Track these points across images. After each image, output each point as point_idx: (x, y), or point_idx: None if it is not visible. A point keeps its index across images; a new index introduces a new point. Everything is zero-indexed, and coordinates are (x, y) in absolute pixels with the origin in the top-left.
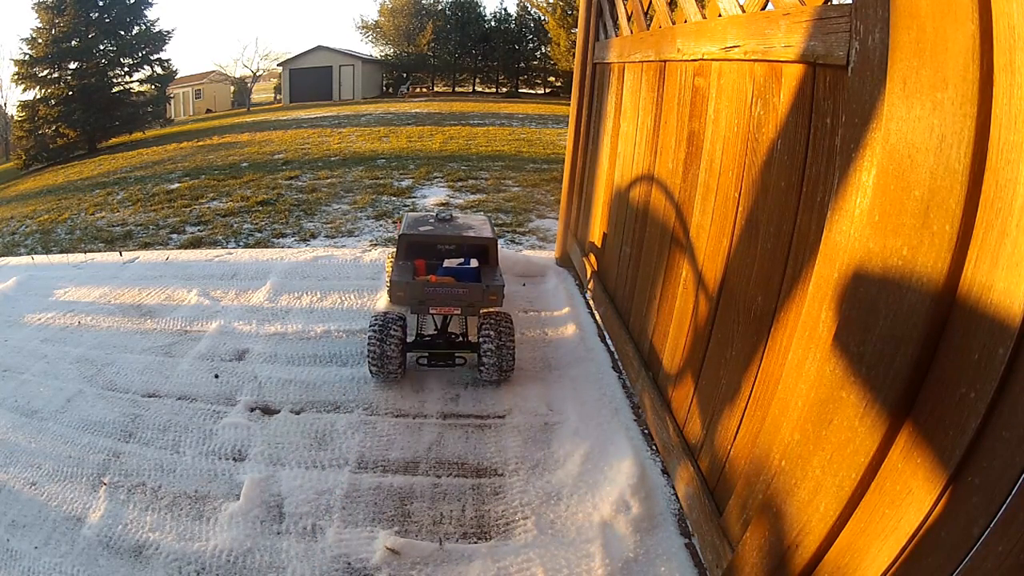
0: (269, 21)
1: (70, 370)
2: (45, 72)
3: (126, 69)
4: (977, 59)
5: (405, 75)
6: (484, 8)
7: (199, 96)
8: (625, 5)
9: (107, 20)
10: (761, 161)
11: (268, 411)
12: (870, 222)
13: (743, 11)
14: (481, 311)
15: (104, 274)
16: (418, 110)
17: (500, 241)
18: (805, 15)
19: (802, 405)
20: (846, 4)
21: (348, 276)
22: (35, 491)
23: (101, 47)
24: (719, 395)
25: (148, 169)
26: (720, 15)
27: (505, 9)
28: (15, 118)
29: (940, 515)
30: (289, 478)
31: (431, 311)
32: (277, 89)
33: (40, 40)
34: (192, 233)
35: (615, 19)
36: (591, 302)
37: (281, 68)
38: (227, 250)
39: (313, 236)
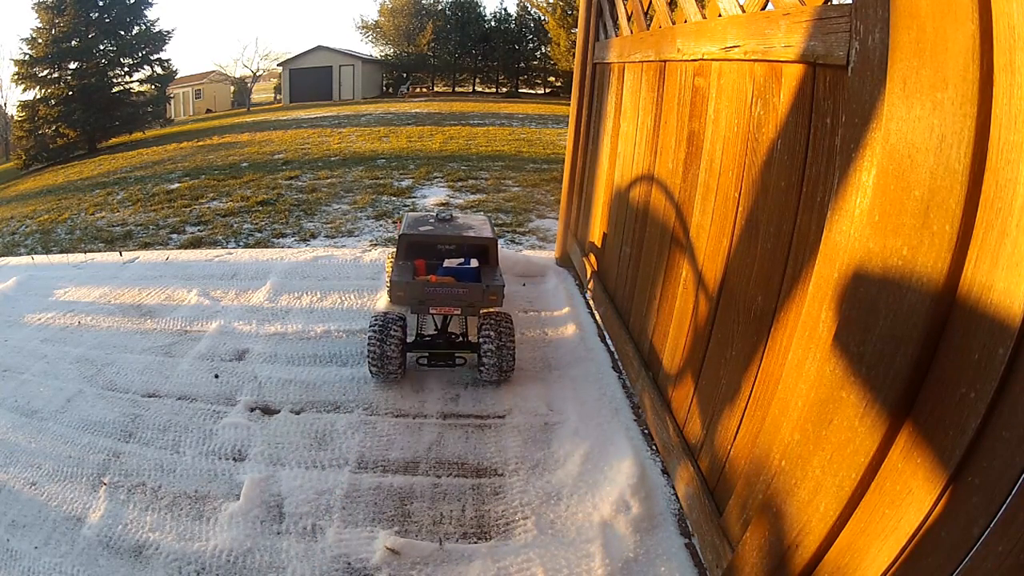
0: (269, 21)
1: (70, 370)
2: (45, 72)
3: (126, 69)
4: (977, 59)
5: (405, 75)
6: (484, 8)
7: (199, 96)
8: (625, 5)
9: (107, 20)
10: (761, 161)
11: (268, 411)
12: (870, 222)
13: (743, 11)
14: (481, 311)
15: (104, 274)
16: (418, 110)
17: (500, 241)
18: (805, 15)
19: (802, 405)
20: (846, 4)
21: (348, 276)
22: (35, 491)
23: (101, 47)
24: (719, 395)
25: (148, 169)
26: (720, 15)
27: (505, 9)
28: (15, 118)
29: (940, 515)
30: (289, 478)
31: (431, 311)
32: (277, 89)
33: (40, 40)
34: (192, 233)
35: (615, 19)
36: (591, 302)
37: (281, 68)
38: (227, 250)
39: (313, 236)
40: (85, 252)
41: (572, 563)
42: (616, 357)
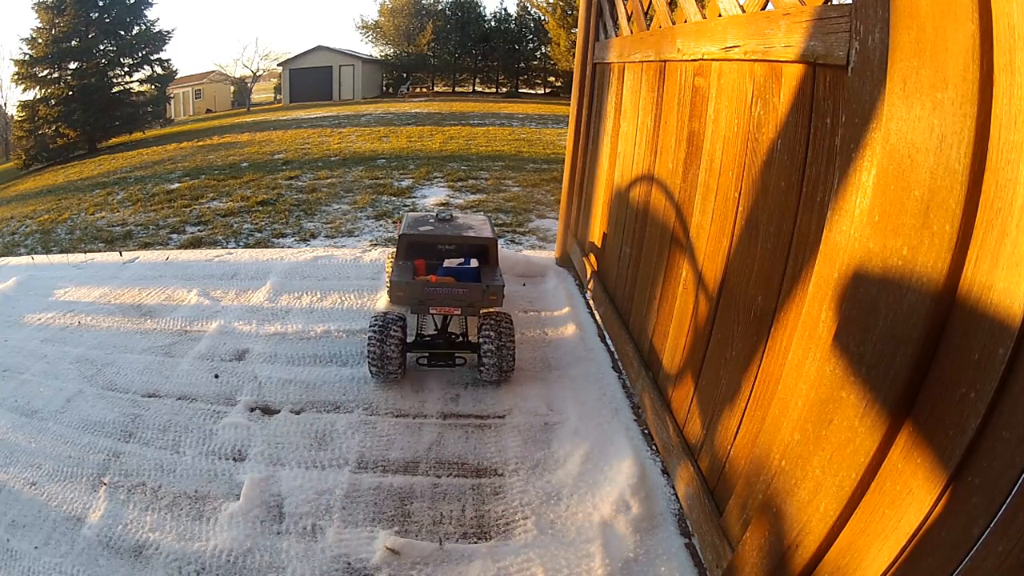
0: (269, 21)
1: (70, 370)
2: (45, 72)
3: (126, 69)
4: (977, 59)
5: (405, 75)
6: (484, 8)
7: (199, 96)
8: (625, 5)
9: (107, 20)
10: (761, 161)
11: (268, 411)
12: (870, 222)
13: (743, 11)
14: (481, 311)
15: (104, 274)
16: (418, 110)
17: (500, 241)
18: (805, 15)
19: (802, 405)
20: (846, 4)
21: (348, 276)
22: (35, 491)
23: (101, 47)
24: (719, 395)
25: (148, 169)
26: (720, 15)
27: (505, 9)
28: (15, 118)
29: (940, 515)
30: (289, 478)
31: (431, 311)
32: (277, 89)
33: (40, 40)
34: (192, 233)
35: (615, 19)
36: (591, 302)
37: (281, 68)
38: (227, 250)
39: (313, 236)
40: (85, 252)
41: (572, 563)
42: (616, 357)
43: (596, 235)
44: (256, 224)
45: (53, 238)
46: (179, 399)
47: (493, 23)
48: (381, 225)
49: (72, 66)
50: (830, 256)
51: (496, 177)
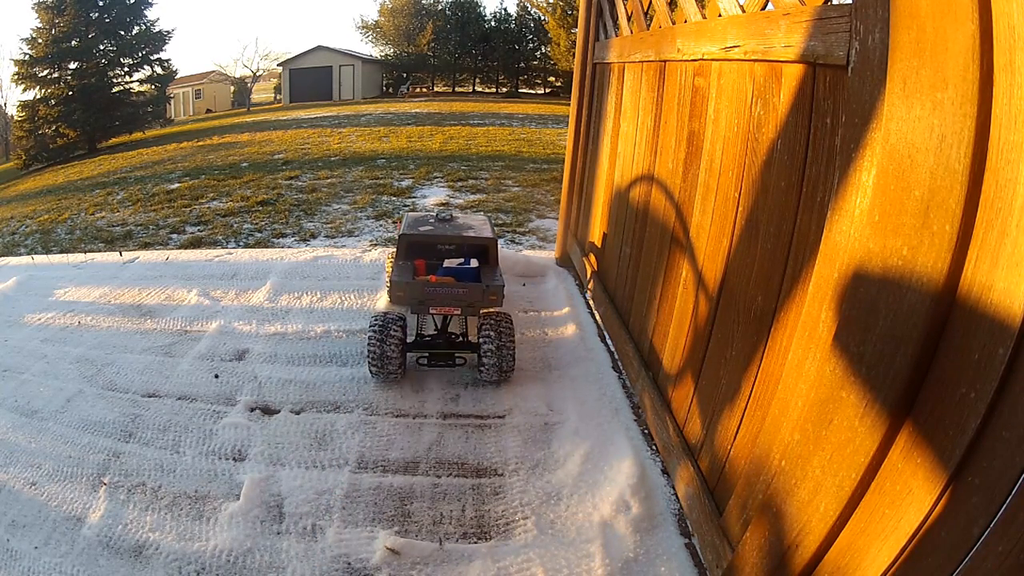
0: (269, 21)
1: (70, 370)
2: (45, 72)
3: (126, 69)
4: (977, 59)
5: (405, 75)
6: (484, 8)
7: (199, 96)
8: (625, 5)
9: (107, 20)
10: (761, 161)
11: (268, 411)
12: (870, 222)
13: (743, 11)
14: (481, 311)
15: (104, 274)
16: (418, 110)
17: (500, 241)
18: (805, 15)
19: (802, 405)
20: (846, 4)
21: (348, 276)
22: (35, 491)
23: (101, 47)
24: (719, 395)
25: (148, 169)
26: (720, 15)
27: (505, 9)
28: (15, 118)
29: (940, 515)
30: (289, 478)
31: (431, 311)
32: (277, 89)
33: (40, 40)
34: (192, 233)
35: (615, 19)
36: (591, 302)
37: (281, 68)
38: (227, 250)
39: (313, 236)
40: (85, 252)
41: (572, 563)
42: (616, 357)
43: (596, 235)
44: (256, 224)
45: (53, 238)
46: (179, 399)
47: (493, 23)
48: (381, 225)
49: (72, 66)
50: (830, 256)
51: (496, 177)
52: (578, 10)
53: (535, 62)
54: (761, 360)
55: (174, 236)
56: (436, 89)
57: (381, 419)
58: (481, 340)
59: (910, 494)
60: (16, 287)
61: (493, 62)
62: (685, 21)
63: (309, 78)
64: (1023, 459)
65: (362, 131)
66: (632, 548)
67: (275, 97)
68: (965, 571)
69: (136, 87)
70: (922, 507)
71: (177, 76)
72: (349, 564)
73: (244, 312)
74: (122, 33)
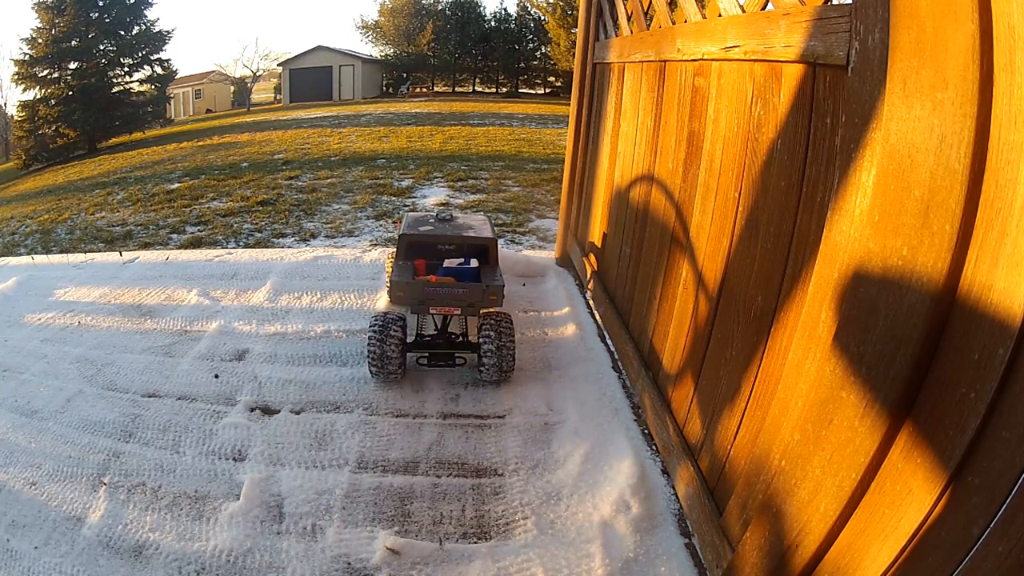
0: (269, 21)
1: (70, 370)
2: (45, 72)
3: (126, 69)
4: (977, 59)
5: (405, 75)
6: (484, 8)
7: (199, 96)
8: (625, 5)
9: (107, 20)
10: (761, 161)
11: (268, 411)
12: (870, 222)
13: (743, 11)
14: (481, 311)
15: (104, 274)
16: (418, 110)
17: (500, 241)
18: (805, 15)
19: (802, 405)
20: (846, 4)
21: (348, 276)
22: (35, 491)
23: (101, 47)
24: (719, 395)
25: (148, 169)
26: (720, 15)
27: (505, 9)
28: (15, 118)
29: (940, 515)
30: (289, 478)
31: (431, 311)
32: (277, 89)
33: (40, 40)
34: (192, 233)
35: (615, 19)
36: (591, 302)
37: (281, 68)
38: (227, 250)
39: (313, 236)
40: (85, 252)
41: (572, 563)
42: (616, 357)
43: (596, 235)
44: (256, 224)
45: (53, 238)
46: (179, 399)
47: (493, 23)
48: (381, 225)
49: (72, 66)
50: (830, 256)
51: (496, 177)
52: (578, 10)
53: (535, 62)
54: (761, 360)
55: (174, 236)
56: (436, 89)
57: (381, 419)
58: (481, 340)
59: (910, 494)
60: (16, 287)
61: (493, 62)
62: (685, 21)
63: (309, 78)
64: (1023, 459)
65: (362, 131)
66: (632, 548)
67: (275, 97)
68: (965, 571)
69: (136, 87)
70: (922, 507)
71: (177, 76)
72: (349, 564)
73: (244, 312)
74: (122, 33)
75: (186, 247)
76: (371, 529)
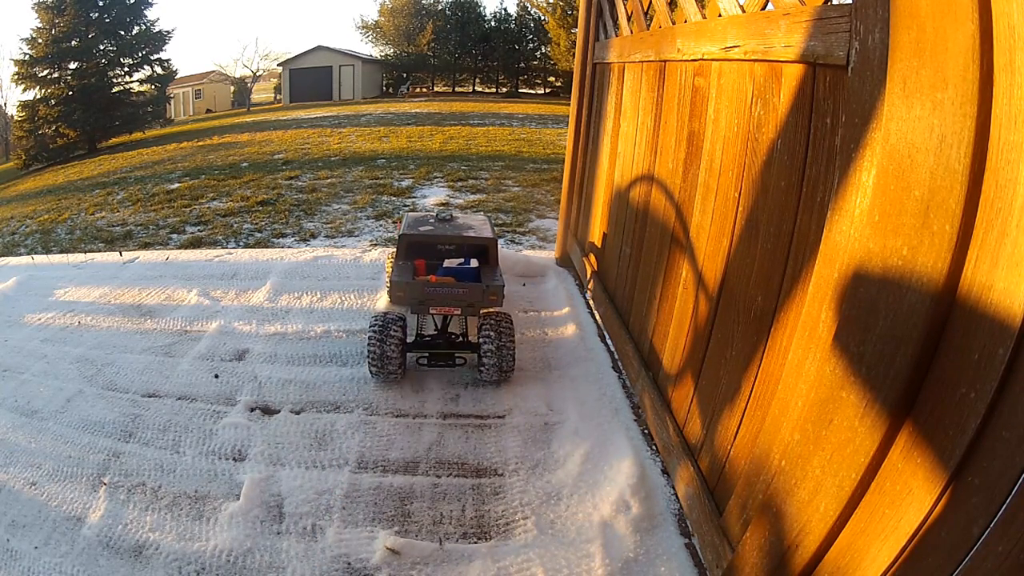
0: (269, 21)
1: (70, 370)
2: (45, 72)
3: (126, 69)
4: (977, 59)
5: (405, 75)
6: (484, 8)
7: (199, 96)
8: (625, 5)
9: (107, 20)
10: (761, 161)
11: (268, 411)
12: (870, 222)
13: (743, 11)
14: (481, 311)
15: (104, 274)
16: (418, 110)
17: (500, 241)
18: (805, 15)
19: (802, 405)
20: (846, 4)
21: (348, 276)
22: (35, 491)
23: (101, 47)
24: (719, 395)
25: (148, 169)
26: (720, 15)
27: (505, 9)
28: (15, 118)
29: (940, 515)
30: (289, 478)
31: (431, 311)
32: (277, 89)
33: (40, 40)
34: (192, 233)
35: (615, 19)
36: (591, 302)
37: (281, 68)
38: (227, 250)
39: (313, 236)
40: (85, 252)
41: (572, 563)
42: (616, 357)
43: (596, 235)
44: (256, 224)
45: (53, 238)
46: (179, 399)
47: (493, 23)
48: (381, 225)
49: (72, 66)
50: (830, 256)
51: (496, 177)
52: (578, 10)
53: (535, 62)
54: (761, 360)
55: (174, 236)
56: (436, 89)
57: (381, 419)
58: (481, 340)
59: (910, 494)
60: (16, 287)
61: (493, 62)
62: (685, 21)
63: (309, 78)
64: (1023, 459)
65: (362, 131)
66: (632, 548)
67: (275, 97)
68: (965, 571)
69: (136, 87)
70: (922, 507)
71: (177, 76)
72: (349, 564)
73: (244, 312)
74: (122, 33)
75: (186, 247)
76: (371, 529)
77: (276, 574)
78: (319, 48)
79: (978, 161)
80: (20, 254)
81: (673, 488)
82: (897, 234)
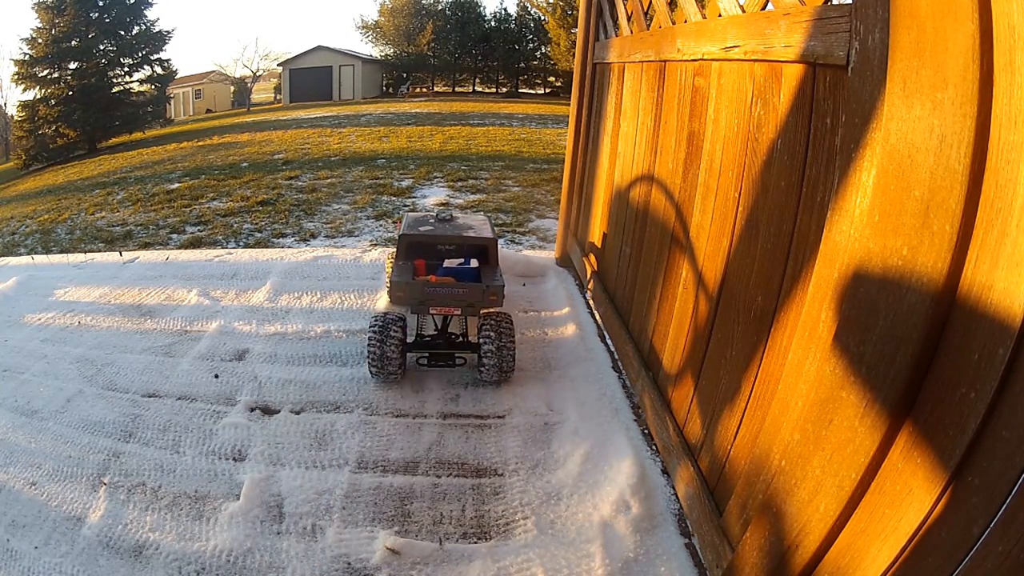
0: (269, 21)
1: (70, 370)
2: (45, 72)
3: (126, 69)
4: (977, 59)
5: (405, 75)
6: (484, 8)
7: (199, 96)
8: (625, 5)
9: (107, 20)
10: (761, 161)
11: (268, 411)
12: (870, 222)
13: (743, 11)
14: (481, 311)
15: (104, 274)
16: (418, 110)
17: (500, 241)
18: (805, 15)
19: (802, 405)
20: (846, 4)
21: (348, 276)
22: (35, 491)
23: (101, 47)
24: (719, 395)
25: (148, 169)
26: (720, 15)
27: (505, 9)
28: (15, 118)
29: (940, 515)
30: (289, 478)
31: (431, 311)
32: (277, 89)
33: (40, 40)
34: (192, 233)
35: (615, 19)
36: (591, 302)
37: (281, 68)
38: (227, 250)
39: (313, 236)
40: (85, 252)
41: (572, 563)
42: (616, 357)
43: (596, 235)
44: (256, 224)
45: (53, 238)
46: (179, 399)
47: (493, 23)
48: (381, 225)
49: (72, 66)
50: (830, 256)
51: (496, 177)
52: (578, 10)
53: (535, 62)
54: (761, 360)
55: (174, 236)
56: (436, 89)
57: (381, 419)
58: (481, 341)
59: (910, 494)
60: (16, 287)
61: (493, 62)
62: (685, 21)
63: (309, 78)
64: (1023, 459)
65: (362, 131)
66: (632, 548)
67: (275, 97)
68: (965, 571)
69: (136, 87)
70: (922, 507)
71: (177, 76)
72: (349, 564)
73: (244, 312)
74: (122, 33)
75: (186, 247)
76: (371, 529)
77: (276, 574)
78: (319, 48)
79: (978, 161)
80: (20, 254)
81: (673, 488)
82: (897, 234)
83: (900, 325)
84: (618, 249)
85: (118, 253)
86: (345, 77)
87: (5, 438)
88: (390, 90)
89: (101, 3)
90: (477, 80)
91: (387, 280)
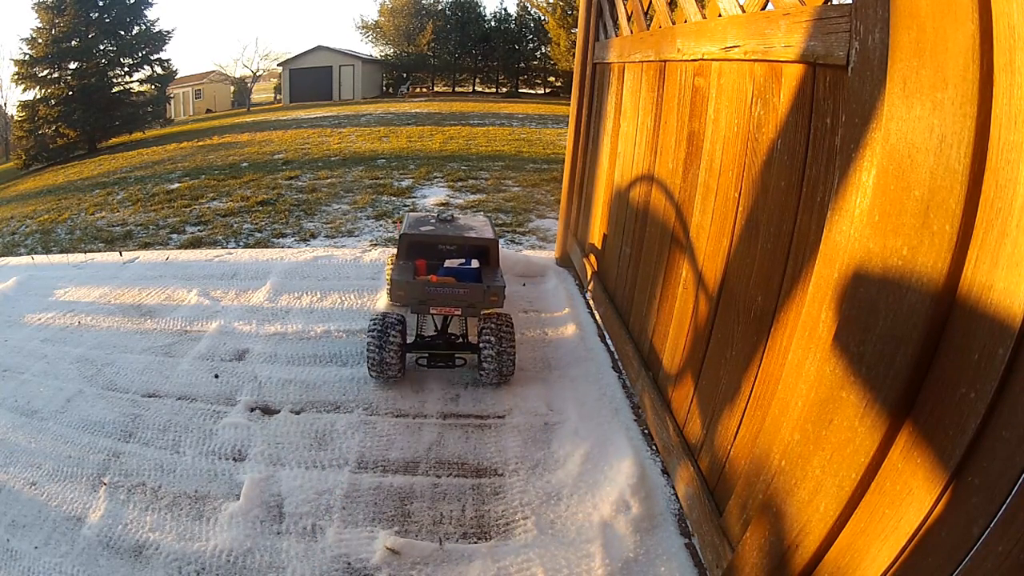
0: (269, 21)
1: (70, 370)
2: (45, 72)
3: (126, 69)
4: (977, 59)
5: (405, 75)
6: (484, 8)
7: (199, 96)
8: (625, 5)
9: (107, 20)
10: (761, 161)
11: (268, 411)
12: (870, 222)
13: (743, 11)
14: (482, 313)
15: (104, 274)
16: (418, 110)
17: (500, 241)
18: (805, 15)
19: (802, 405)
20: (846, 4)
21: (348, 276)
22: (35, 491)
23: (101, 47)
24: (719, 395)
25: (148, 169)
26: (720, 15)
27: (505, 9)
28: (15, 118)
29: (940, 515)
30: (289, 478)
31: (431, 311)
32: (277, 89)
33: (40, 40)
34: (192, 233)
35: (615, 19)
36: (591, 302)
37: (281, 68)
38: (227, 250)
39: (313, 236)
40: (85, 252)
41: (572, 563)
42: (616, 357)
43: (596, 235)
44: (256, 224)
45: (53, 238)
46: (179, 399)
47: (493, 23)
48: (381, 225)
49: (72, 66)
50: (830, 256)
51: (496, 177)
52: (578, 10)
53: (535, 62)
54: (761, 360)
55: (174, 236)
56: (436, 89)
57: (381, 419)
58: (481, 344)
59: (910, 494)
60: (16, 287)
61: (493, 62)
62: (685, 21)
63: (309, 78)
64: (1023, 459)
65: (362, 131)
66: (632, 548)
67: (275, 97)
68: (965, 571)
69: (136, 87)
70: (922, 507)
71: (177, 76)
72: (349, 564)
73: (244, 312)
74: (122, 33)
75: (186, 247)
76: (371, 529)
77: (276, 574)
78: (319, 48)
79: (978, 161)
80: (20, 254)
81: (673, 488)
82: (897, 234)
83: (900, 325)
84: (618, 249)
85: (118, 253)
86: (345, 77)
87: (5, 438)
88: (390, 90)
89: (101, 3)
90: (477, 80)
91: (387, 280)
